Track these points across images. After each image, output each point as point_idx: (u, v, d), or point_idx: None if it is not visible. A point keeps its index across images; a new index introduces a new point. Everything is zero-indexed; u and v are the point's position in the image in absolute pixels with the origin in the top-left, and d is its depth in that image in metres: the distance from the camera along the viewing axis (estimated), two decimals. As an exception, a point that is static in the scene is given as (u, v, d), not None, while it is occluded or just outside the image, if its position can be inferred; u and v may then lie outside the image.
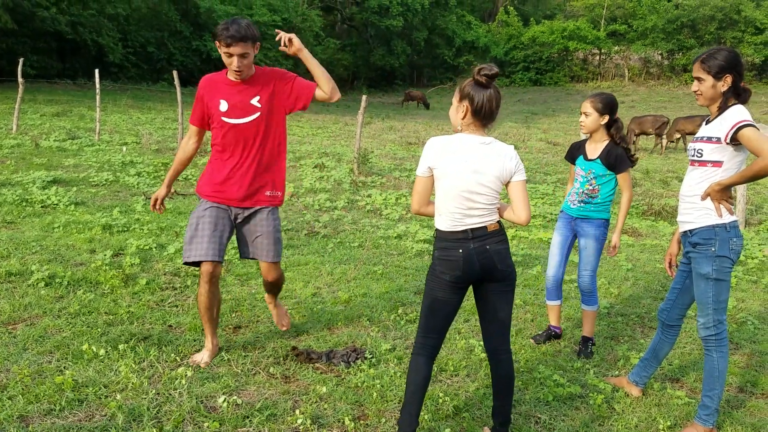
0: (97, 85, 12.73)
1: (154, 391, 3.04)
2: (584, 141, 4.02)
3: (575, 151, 4.04)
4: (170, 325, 3.92)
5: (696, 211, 2.99)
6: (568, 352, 4.00)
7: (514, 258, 6.14)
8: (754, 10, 38.69)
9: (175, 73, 11.82)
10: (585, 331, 4.05)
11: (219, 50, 3.20)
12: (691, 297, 3.20)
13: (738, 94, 2.94)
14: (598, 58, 42.29)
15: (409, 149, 14.81)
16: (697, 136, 3.10)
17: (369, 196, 8.86)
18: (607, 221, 3.93)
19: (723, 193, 2.90)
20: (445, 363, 3.64)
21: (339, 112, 24.41)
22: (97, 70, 13.13)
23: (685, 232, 3.08)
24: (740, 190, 8.18)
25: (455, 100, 2.65)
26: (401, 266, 5.66)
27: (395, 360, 3.64)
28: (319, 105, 30.70)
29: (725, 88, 2.91)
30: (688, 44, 38.96)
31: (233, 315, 4.18)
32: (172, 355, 3.46)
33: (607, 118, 3.85)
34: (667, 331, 3.34)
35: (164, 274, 4.85)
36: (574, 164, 4.04)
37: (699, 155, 2.99)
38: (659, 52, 40.27)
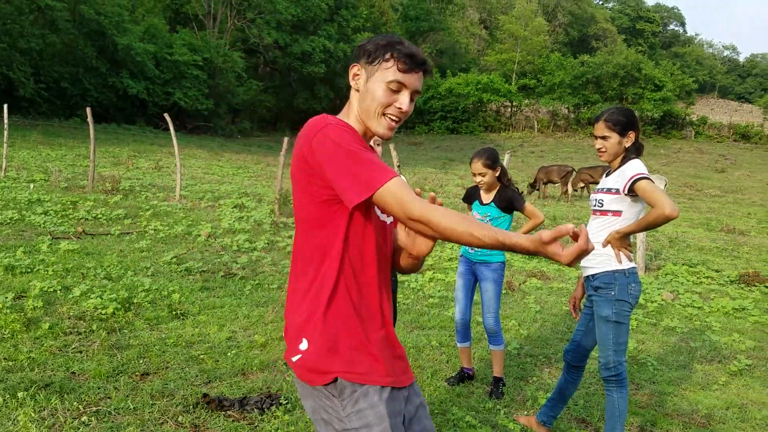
0: (5, 120, 12.16)
1: (53, 442, 2.89)
2: (477, 187, 4.25)
3: (472, 195, 4.27)
4: (73, 372, 3.74)
5: (598, 257, 3.16)
6: (480, 393, 4.10)
7: (430, 300, 6.27)
8: (653, 69, 42.12)
9: (88, 109, 11.45)
10: (495, 372, 4.18)
11: (379, 74, 1.69)
12: (594, 339, 3.37)
13: (636, 149, 3.18)
14: (509, 110, 44.44)
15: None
16: (598, 187, 3.30)
17: (290, 237, 8.82)
18: (503, 263, 4.13)
19: (622, 241, 3.10)
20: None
21: (261, 153, 24.29)
22: (6, 105, 12.55)
23: (587, 276, 3.24)
24: (640, 237, 8.75)
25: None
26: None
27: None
28: (239, 144, 30.43)
29: (629, 144, 3.14)
30: (592, 99, 41.70)
31: (141, 361, 4.03)
32: (75, 403, 3.30)
33: (499, 170, 4.09)
34: (572, 371, 3.50)
35: (68, 318, 4.62)
36: (470, 206, 4.24)
37: (600, 205, 3.19)
38: (566, 105, 42.85)
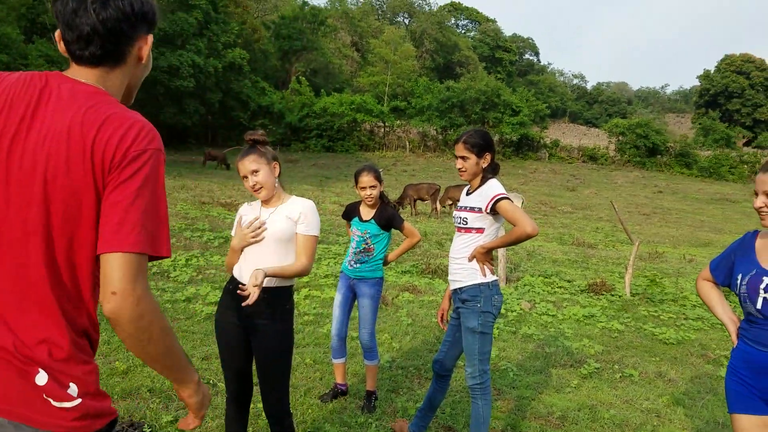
0: None
1: None
2: (358, 203, 4.34)
3: (351, 212, 4.34)
4: None
5: (464, 271, 3.34)
6: (353, 408, 4.17)
7: (305, 317, 6.27)
8: (510, 95, 45.08)
9: None
10: (368, 386, 4.27)
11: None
12: (461, 349, 3.55)
13: (493, 169, 3.41)
14: (383, 130, 45.54)
15: (203, 209, 14.43)
16: (461, 205, 3.47)
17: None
18: (381, 279, 4.25)
19: (486, 255, 3.31)
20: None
21: (123, 171, 22.91)
22: None
23: (455, 289, 3.41)
24: (501, 252, 9.31)
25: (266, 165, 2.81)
26: (189, 331, 5.47)
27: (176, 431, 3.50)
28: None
29: (486, 165, 3.36)
30: (458, 122, 43.83)
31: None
32: None
33: (382, 186, 4.24)
34: (440, 380, 3.66)
35: None
36: (349, 223, 4.34)
37: (464, 222, 3.36)
38: (434, 127, 44.66)
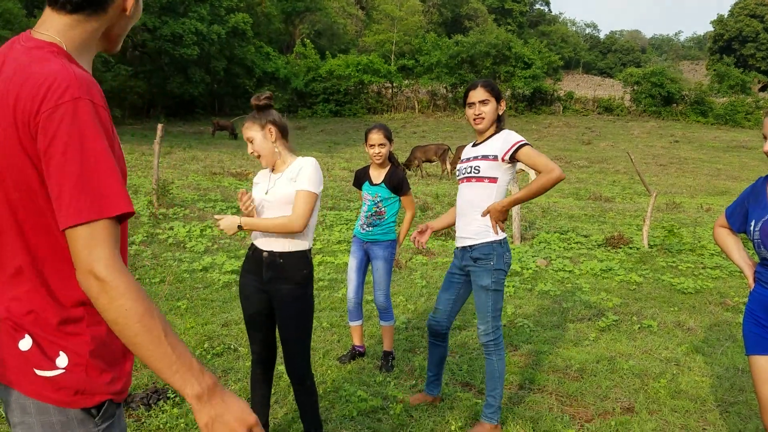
0: None
1: None
2: (368, 167, 4.30)
3: (361, 178, 4.29)
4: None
5: (474, 228, 3.23)
6: (371, 368, 4.20)
7: (320, 283, 6.30)
8: (522, 47, 44.14)
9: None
10: (385, 346, 4.30)
11: None
12: (460, 306, 3.53)
13: (500, 120, 3.30)
14: (390, 91, 45.00)
15: (214, 179, 14.45)
16: (468, 156, 3.33)
17: (171, 228, 8.49)
18: (394, 241, 4.24)
19: (503, 213, 3.19)
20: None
21: (135, 142, 23.01)
22: None
23: (465, 247, 3.31)
24: (515, 210, 9.25)
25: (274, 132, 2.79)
26: (207, 299, 5.52)
27: (201, 396, 3.54)
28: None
29: (501, 112, 3.26)
30: (468, 78, 43.12)
31: None
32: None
33: (392, 146, 4.19)
34: (440, 339, 3.59)
35: None
36: (360, 189, 4.30)
37: (476, 171, 3.19)
38: (444, 85, 44.02)
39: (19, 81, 1.20)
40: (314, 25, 50.37)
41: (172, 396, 3.48)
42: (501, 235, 3.25)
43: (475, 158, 3.24)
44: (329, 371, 4.08)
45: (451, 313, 3.53)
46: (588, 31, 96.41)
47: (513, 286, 6.52)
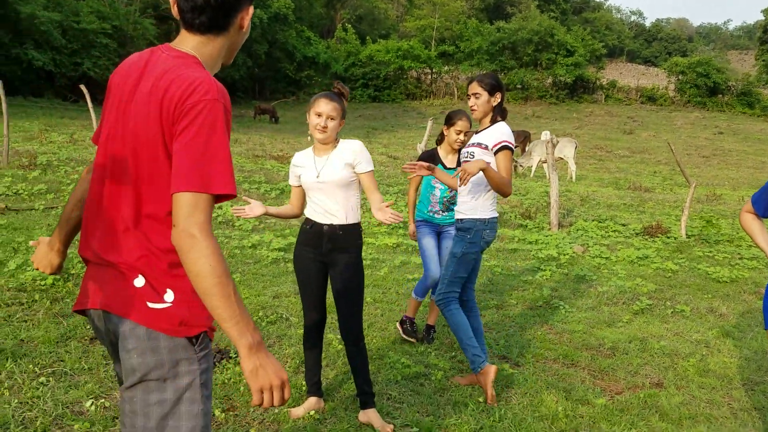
0: None
1: (16, 401, 3.03)
2: (434, 150, 4.43)
3: (431, 161, 4.29)
4: (22, 340, 3.83)
5: (467, 206, 3.64)
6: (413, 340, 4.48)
7: (363, 262, 6.59)
8: (565, 35, 43.50)
9: (0, 83, 10.92)
10: (430, 320, 4.56)
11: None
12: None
13: (501, 111, 3.68)
14: (430, 77, 44.91)
15: (257, 162, 14.86)
16: (472, 141, 3.73)
17: (220, 208, 8.89)
18: None
19: (471, 168, 3.34)
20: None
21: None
22: None
23: (457, 219, 3.73)
24: (553, 197, 9.39)
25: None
26: (258, 273, 5.87)
27: (258, 357, 3.88)
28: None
29: (496, 103, 3.64)
30: (509, 65, 42.82)
31: (88, 327, 4.15)
32: (30, 366, 3.42)
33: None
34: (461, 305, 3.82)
35: (8, 290, 4.65)
36: None
37: (471, 156, 3.62)
38: (484, 71, 43.64)
39: (169, 79, 1.53)
40: (355, 9, 50.50)
41: (234, 356, 3.81)
42: (489, 215, 3.63)
43: (472, 145, 3.67)
44: (374, 340, 4.37)
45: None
46: (633, 18, 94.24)
47: (550, 270, 6.71)
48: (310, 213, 3.19)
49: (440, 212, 4.41)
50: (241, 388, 3.41)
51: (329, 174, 3.06)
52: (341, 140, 3.13)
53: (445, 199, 4.39)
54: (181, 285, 1.56)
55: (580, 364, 4.22)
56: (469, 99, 3.67)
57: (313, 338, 3.31)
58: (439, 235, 4.48)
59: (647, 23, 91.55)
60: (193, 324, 1.57)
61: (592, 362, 4.24)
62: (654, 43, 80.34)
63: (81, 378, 3.39)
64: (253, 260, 6.36)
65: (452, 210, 4.30)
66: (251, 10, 1.69)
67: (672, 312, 5.46)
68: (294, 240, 7.16)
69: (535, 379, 3.89)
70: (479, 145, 3.60)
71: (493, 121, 3.64)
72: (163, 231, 1.56)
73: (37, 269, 1.80)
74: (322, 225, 3.11)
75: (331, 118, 3.04)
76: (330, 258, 3.12)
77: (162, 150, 1.53)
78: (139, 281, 1.55)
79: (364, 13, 51.00)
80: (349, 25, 45.51)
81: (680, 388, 3.87)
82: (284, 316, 4.73)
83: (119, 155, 1.60)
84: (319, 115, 3.03)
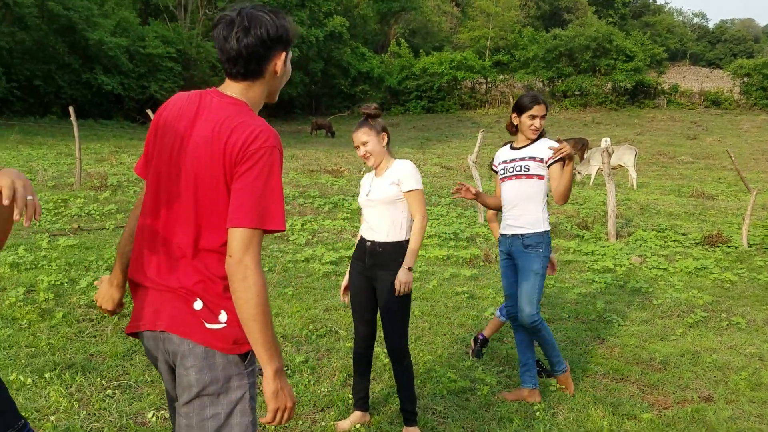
0: (-17, 121, 12.26)
1: (85, 412, 3.28)
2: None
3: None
4: (91, 354, 4.11)
5: (525, 219, 3.68)
6: (460, 353, 4.55)
7: (413, 274, 6.69)
8: (623, 40, 42.52)
9: (71, 108, 11.63)
10: (486, 332, 4.53)
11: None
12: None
13: None
14: (484, 86, 44.72)
15: (312, 176, 15.22)
16: (513, 157, 3.79)
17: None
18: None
19: (569, 152, 3.57)
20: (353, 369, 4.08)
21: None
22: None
23: (515, 234, 3.73)
24: (610, 207, 9.25)
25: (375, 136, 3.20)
26: (310, 287, 6.06)
27: (308, 370, 4.04)
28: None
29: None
30: (566, 72, 42.14)
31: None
32: (98, 379, 3.69)
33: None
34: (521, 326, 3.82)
35: (79, 307, 4.98)
36: None
37: (527, 170, 3.69)
38: (540, 79, 43.21)
39: (231, 125, 1.72)
40: (409, 24, 50.92)
41: (285, 369, 3.98)
42: (547, 227, 3.71)
43: (522, 159, 3.73)
44: (421, 354, 4.46)
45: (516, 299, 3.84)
46: (696, 20, 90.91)
47: (605, 283, 6.63)
48: (361, 228, 3.39)
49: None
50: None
51: (376, 192, 3.23)
52: (396, 160, 3.28)
53: None
54: (233, 306, 1.71)
55: (629, 379, 4.19)
56: (531, 119, 3.71)
57: (361, 352, 3.42)
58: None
59: (711, 25, 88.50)
60: (244, 342, 1.73)
61: (642, 376, 4.20)
62: (718, 45, 77.34)
63: (144, 390, 3.62)
64: (305, 274, 6.56)
65: None
66: (284, 55, 1.83)
67: (727, 324, 5.32)
68: (344, 254, 7.34)
69: (583, 394, 3.89)
70: (532, 158, 3.69)
71: (539, 135, 3.76)
72: (219, 259, 1.74)
73: (101, 308, 1.98)
74: (366, 241, 3.28)
75: (366, 143, 3.19)
76: (372, 273, 3.25)
77: (223, 188, 1.71)
78: (198, 304, 1.72)
79: (417, 26, 51.36)
80: (403, 40, 45.91)
81: (730, 402, 3.79)
82: (333, 329, 4.88)
83: (175, 191, 1.77)
84: (357, 147, 3.24)
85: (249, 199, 1.65)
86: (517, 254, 3.74)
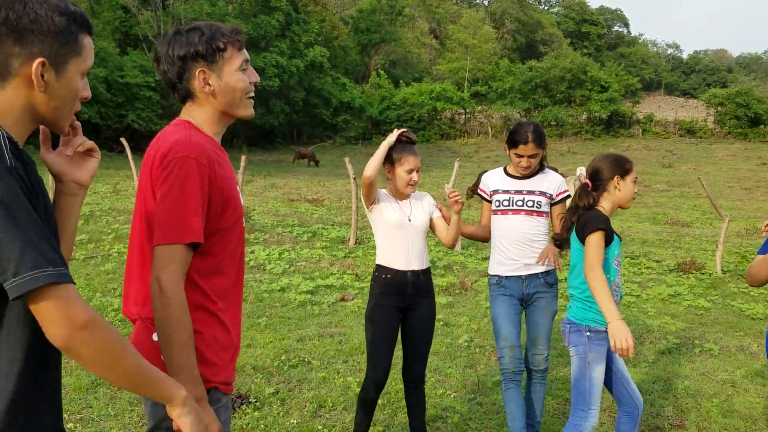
0: None
1: (44, 447, 3.17)
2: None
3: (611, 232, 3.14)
4: (55, 387, 4.01)
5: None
6: (432, 383, 4.50)
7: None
8: (598, 71, 43.57)
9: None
10: None
11: (227, 66, 1.81)
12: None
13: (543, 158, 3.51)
14: (463, 117, 45.32)
15: (291, 205, 15.20)
16: (519, 188, 3.37)
17: (252, 252, 9.12)
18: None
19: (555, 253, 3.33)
20: (324, 400, 4.02)
21: (218, 172, 24.30)
22: None
23: (534, 274, 3.34)
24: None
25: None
26: (285, 317, 6.00)
27: (278, 402, 3.98)
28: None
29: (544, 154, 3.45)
30: (542, 102, 42.94)
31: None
32: (60, 413, 3.59)
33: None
34: (520, 379, 3.40)
35: (45, 339, 4.87)
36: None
37: (538, 206, 3.35)
38: (517, 110, 43.95)
39: (158, 144, 1.74)
40: (389, 55, 51.65)
41: (254, 401, 3.91)
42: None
43: (531, 192, 3.37)
44: (393, 383, 4.40)
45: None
46: (670, 51, 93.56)
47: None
48: (388, 260, 3.15)
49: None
50: (259, 432, 3.49)
51: (418, 217, 3.20)
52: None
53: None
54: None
55: (601, 406, 4.16)
56: (519, 158, 3.32)
57: (372, 396, 3.22)
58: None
59: (684, 55, 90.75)
60: (206, 379, 1.66)
61: (612, 404, 4.18)
62: (692, 76, 79.38)
63: (107, 424, 3.53)
64: (280, 303, 6.50)
65: None
66: (201, 73, 1.74)
67: (699, 351, 5.35)
68: (321, 283, 7.29)
69: (553, 421, 3.87)
70: (543, 194, 3.37)
71: (542, 168, 3.46)
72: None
73: None
74: (404, 272, 3.12)
75: (419, 170, 3.21)
76: (413, 303, 3.18)
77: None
78: (156, 335, 1.65)
79: (397, 58, 52.10)
80: (383, 71, 46.47)
81: (702, 429, 3.79)
82: (306, 359, 4.82)
83: (134, 218, 1.79)
84: (411, 171, 3.14)
85: (161, 215, 1.61)
86: (539, 295, 3.35)
